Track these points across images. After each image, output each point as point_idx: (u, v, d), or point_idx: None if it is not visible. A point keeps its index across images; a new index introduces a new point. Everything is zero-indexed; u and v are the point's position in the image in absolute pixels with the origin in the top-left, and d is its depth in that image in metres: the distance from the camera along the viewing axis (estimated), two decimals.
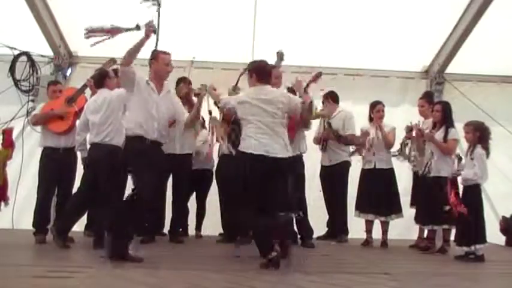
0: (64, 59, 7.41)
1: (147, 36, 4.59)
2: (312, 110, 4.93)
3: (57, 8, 6.92)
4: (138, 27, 4.65)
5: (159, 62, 4.77)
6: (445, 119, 5.88)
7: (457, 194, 5.37)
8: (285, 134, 4.69)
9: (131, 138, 4.66)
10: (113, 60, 5.93)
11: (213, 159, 6.58)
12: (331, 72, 7.34)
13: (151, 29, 4.59)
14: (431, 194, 5.69)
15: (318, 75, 5.77)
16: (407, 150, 6.28)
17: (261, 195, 4.52)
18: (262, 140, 4.54)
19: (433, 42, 7.40)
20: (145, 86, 4.69)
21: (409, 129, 6.20)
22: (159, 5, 5.09)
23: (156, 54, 4.78)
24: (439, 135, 5.82)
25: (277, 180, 4.60)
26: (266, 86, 4.73)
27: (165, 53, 4.81)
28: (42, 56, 7.16)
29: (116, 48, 6.83)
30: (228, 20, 6.82)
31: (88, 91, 5.89)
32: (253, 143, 4.54)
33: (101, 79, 5.53)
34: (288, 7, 6.78)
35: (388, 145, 6.35)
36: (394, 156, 6.36)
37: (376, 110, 6.42)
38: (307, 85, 5.67)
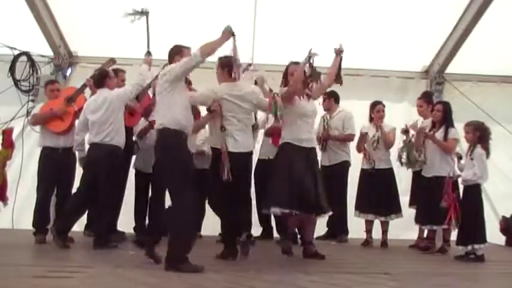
0: (64, 59, 7.41)
1: (226, 38, 4.50)
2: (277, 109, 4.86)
3: (57, 8, 6.92)
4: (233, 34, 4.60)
5: (184, 57, 4.52)
6: (445, 118, 5.89)
7: (457, 195, 5.39)
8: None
9: (175, 131, 4.33)
10: (112, 60, 5.92)
11: None
12: None
13: (230, 33, 4.54)
14: (431, 194, 5.69)
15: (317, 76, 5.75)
16: (404, 155, 6.28)
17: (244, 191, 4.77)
18: (237, 137, 4.69)
19: (433, 42, 7.40)
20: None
21: (405, 131, 6.20)
22: (146, 15, 5.21)
23: (181, 50, 4.59)
24: (439, 135, 5.84)
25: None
26: (237, 82, 4.80)
27: (188, 48, 4.62)
28: (42, 56, 7.16)
29: (115, 48, 6.89)
30: (228, 20, 6.80)
31: (88, 91, 5.89)
32: (230, 141, 4.66)
33: (101, 79, 5.52)
34: (288, 7, 6.78)
35: (388, 145, 6.36)
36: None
37: (376, 110, 6.42)
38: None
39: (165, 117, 4.34)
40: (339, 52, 5.37)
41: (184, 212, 4.19)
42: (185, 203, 4.18)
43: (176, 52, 4.58)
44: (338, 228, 6.54)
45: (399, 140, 6.37)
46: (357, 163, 6.57)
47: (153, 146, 4.64)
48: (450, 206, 5.34)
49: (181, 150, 4.32)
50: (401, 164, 6.19)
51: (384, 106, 6.46)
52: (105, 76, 5.53)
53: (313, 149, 5.17)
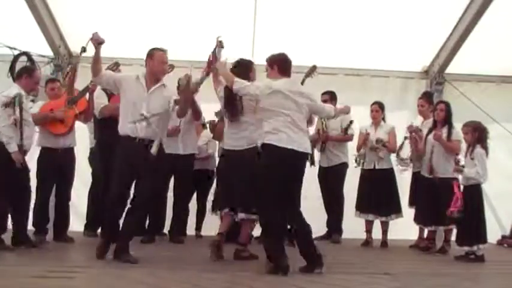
0: (64, 59, 7.40)
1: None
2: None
3: (57, 8, 6.91)
4: None
5: (154, 60, 4.62)
6: (448, 118, 5.88)
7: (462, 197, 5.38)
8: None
9: (121, 137, 4.61)
10: (116, 64, 5.91)
11: (214, 159, 6.59)
12: (331, 72, 7.33)
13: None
14: (434, 195, 5.68)
15: (312, 70, 5.72)
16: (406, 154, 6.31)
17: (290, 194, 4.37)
18: (291, 135, 4.32)
19: (433, 42, 7.39)
20: (132, 83, 4.60)
21: (412, 128, 6.22)
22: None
23: (151, 52, 4.66)
24: (442, 134, 5.83)
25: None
26: (295, 79, 4.64)
27: (161, 50, 4.66)
28: (42, 56, 7.15)
29: (115, 48, 6.87)
30: (228, 20, 6.82)
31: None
32: (284, 137, 4.30)
33: (18, 73, 5.44)
34: (288, 7, 6.78)
35: (392, 150, 6.35)
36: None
37: (370, 110, 6.47)
38: (302, 81, 5.63)
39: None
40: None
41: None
42: None
43: (147, 54, 4.69)
44: (333, 228, 6.54)
45: (399, 140, 6.41)
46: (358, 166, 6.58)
47: None
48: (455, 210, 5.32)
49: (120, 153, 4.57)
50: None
51: (378, 106, 6.47)
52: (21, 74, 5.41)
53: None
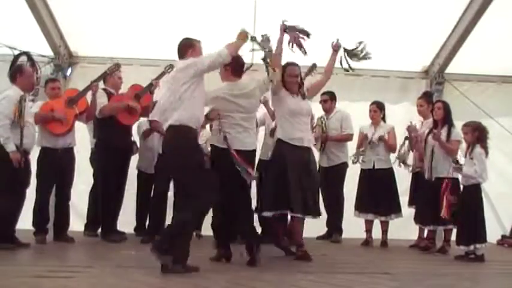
0: (64, 59, 7.40)
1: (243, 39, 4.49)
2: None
3: (57, 8, 6.92)
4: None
5: (197, 51, 4.45)
6: (447, 117, 5.88)
7: (454, 198, 5.40)
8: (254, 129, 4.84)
9: (191, 130, 4.20)
10: (117, 65, 5.91)
11: None
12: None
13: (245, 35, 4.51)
14: (434, 195, 5.68)
15: (312, 68, 5.75)
16: (403, 150, 6.30)
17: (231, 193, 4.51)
18: (237, 135, 4.55)
19: (433, 42, 7.40)
20: None
21: (408, 138, 6.23)
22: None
23: (193, 43, 4.48)
24: (441, 134, 5.82)
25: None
26: (240, 80, 4.71)
27: (199, 41, 4.54)
28: (42, 56, 7.14)
29: (115, 48, 6.89)
30: (228, 20, 6.81)
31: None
32: (229, 138, 4.51)
33: (12, 74, 5.41)
34: (288, 7, 6.78)
35: (391, 149, 6.36)
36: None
37: (369, 110, 6.47)
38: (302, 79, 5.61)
39: (184, 114, 4.15)
40: (336, 48, 5.28)
41: (196, 214, 4.36)
42: (202, 205, 4.24)
43: (189, 46, 4.44)
44: (333, 228, 6.55)
45: (399, 140, 6.40)
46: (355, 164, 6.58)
47: (162, 144, 4.57)
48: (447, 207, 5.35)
49: (199, 149, 4.36)
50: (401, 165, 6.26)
51: (376, 106, 6.47)
52: (16, 72, 5.41)
53: (308, 148, 5.07)
